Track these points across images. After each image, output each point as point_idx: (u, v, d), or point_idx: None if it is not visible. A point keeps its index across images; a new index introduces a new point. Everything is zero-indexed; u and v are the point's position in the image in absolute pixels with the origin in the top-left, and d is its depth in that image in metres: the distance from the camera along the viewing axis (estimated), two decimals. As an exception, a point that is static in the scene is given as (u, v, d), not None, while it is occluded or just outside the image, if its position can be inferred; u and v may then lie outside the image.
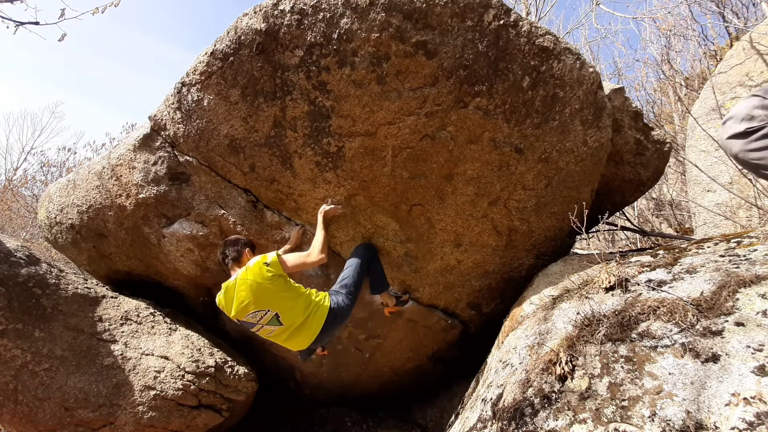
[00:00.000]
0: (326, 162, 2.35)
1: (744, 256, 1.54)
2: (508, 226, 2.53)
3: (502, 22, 2.00)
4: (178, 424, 2.69)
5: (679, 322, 1.31)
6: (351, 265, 2.41)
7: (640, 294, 1.56)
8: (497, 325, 2.41)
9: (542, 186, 2.40)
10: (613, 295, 1.65)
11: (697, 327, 1.27)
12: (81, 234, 3.12)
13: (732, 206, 3.31)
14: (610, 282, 1.71)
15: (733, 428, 0.99)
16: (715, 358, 1.15)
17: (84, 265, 3.40)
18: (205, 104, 2.32)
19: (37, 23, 2.58)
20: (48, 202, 3.26)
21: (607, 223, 3.20)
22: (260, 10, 2.07)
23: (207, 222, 2.73)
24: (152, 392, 2.64)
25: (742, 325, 1.20)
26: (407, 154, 2.28)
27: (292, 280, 2.21)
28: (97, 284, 3.17)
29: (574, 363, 1.41)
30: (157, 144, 2.62)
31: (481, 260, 2.66)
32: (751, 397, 1.02)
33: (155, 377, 2.68)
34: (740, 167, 2.36)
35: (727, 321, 1.24)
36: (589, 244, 5.99)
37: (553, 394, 1.36)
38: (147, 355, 2.77)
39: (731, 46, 5.36)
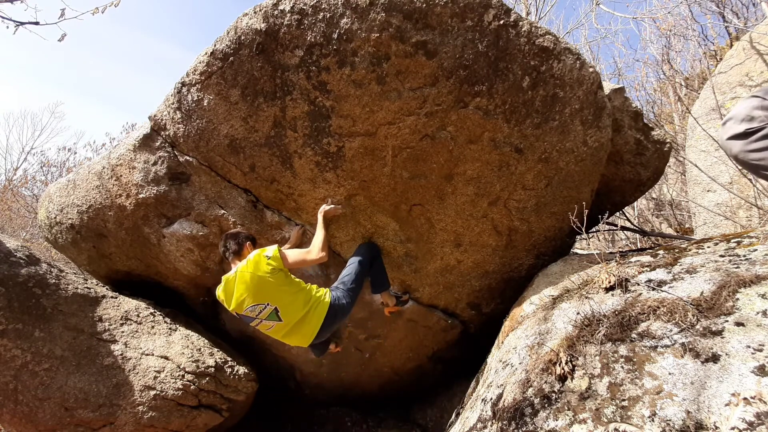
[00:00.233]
0: (326, 162, 2.35)
1: (744, 256, 1.54)
2: (508, 226, 2.53)
3: (502, 22, 2.00)
4: (178, 424, 2.69)
5: (679, 322, 1.31)
6: (353, 262, 2.41)
7: (640, 294, 1.56)
8: (497, 325, 2.41)
9: (542, 186, 2.40)
10: (613, 295, 1.65)
11: (697, 327, 1.27)
12: (81, 234, 3.12)
13: (732, 206, 3.31)
14: (610, 282, 1.71)
15: (733, 428, 0.99)
16: (715, 358, 1.15)
17: (84, 265, 3.40)
18: (205, 104, 2.32)
19: (37, 23, 2.58)
20: (48, 202, 3.26)
21: (607, 223, 3.20)
22: (260, 10, 2.07)
23: (207, 222, 2.73)
24: (152, 392, 2.64)
25: (742, 325, 1.20)
26: (407, 154, 2.28)
27: (292, 275, 2.20)
28: (97, 284, 3.17)
29: (574, 363, 1.41)
30: (157, 144, 2.62)
31: (481, 260, 2.66)
32: (751, 397, 1.02)
33: (155, 377, 2.68)
34: (740, 168, 2.36)
35: (727, 321, 1.24)
36: (589, 244, 5.99)
37: (553, 394, 1.36)
38: (147, 355, 2.77)
39: (731, 46, 5.36)
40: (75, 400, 2.53)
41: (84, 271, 3.53)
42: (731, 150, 1.08)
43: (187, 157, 2.58)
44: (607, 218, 2.53)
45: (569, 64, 2.12)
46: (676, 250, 1.87)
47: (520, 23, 2.03)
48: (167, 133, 2.56)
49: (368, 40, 1.98)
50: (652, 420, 1.10)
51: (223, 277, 2.16)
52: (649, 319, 1.39)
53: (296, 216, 2.67)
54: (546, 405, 1.35)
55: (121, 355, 2.72)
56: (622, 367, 1.29)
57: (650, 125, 2.84)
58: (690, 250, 1.82)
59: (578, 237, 3.01)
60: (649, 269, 1.73)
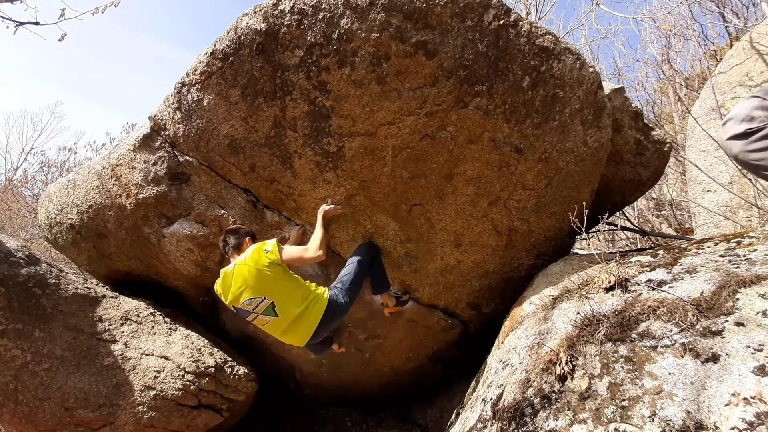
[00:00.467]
0: (326, 162, 2.35)
1: (744, 256, 1.54)
2: (508, 226, 2.53)
3: (502, 22, 2.00)
4: (178, 424, 2.69)
5: (679, 322, 1.31)
6: (352, 262, 2.41)
7: (640, 294, 1.56)
8: (497, 325, 2.41)
9: (542, 186, 2.40)
10: (613, 295, 1.65)
11: (697, 327, 1.27)
12: (81, 234, 3.12)
13: (732, 206, 3.31)
14: (610, 282, 1.71)
15: (733, 428, 0.99)
16: (715, 358, 1.15)
17: (84, 265, 3.40)
18: (205, 104, 2.32)
19: (37, 23, 2.58)
20: (48, 202, 3.26)
21: (607, 223, 3.20)
22: (260, 10, 2.07)
23: (207, 222, 2.73)
24: (152, 392, 2.64)
25: (742, 325, 1.20)
26: (407, 154, 2.28)
27: (291, 271, 2.21)
28: (97, 284, 3.17)
29: (574, 363, 1.41)
30: (157, 144, 2.62)
31: (481, 260, 2.66)
32: (751, 397, 1.02)
33: (155, 377, 2.68)
34: (740, 168, 2.36)
35: (727, 321, 1.24)
36: (589, 244, 5.99)
37: (553, 394, 1.36)
38: (147, 355, 2.77)
39: (731, 46, 5.36)
40: (75, 400, 2.53)
41: (84, 271, 3.53)
42: (731, 150, 1.09)
43: (187, 157, 2.58)
44: (607, 218, 2.53)
45: (569, 64, 2.12)
46: (676, 250, 1.87)
47: (520, 23, 2.03)
48: (167, 133, 2.56)
49: (368, 40, 1.98)
50: (652, 420, 1.10)
51: (222, 271, 2.17)
52: (649, 319, 1.39)
53: (296, 216, 2.67)
54: (546, 405, 1.35)
55: (121, 355, 2.72)
56: (622, 367, 1.29)
57: (650, 125, 2.84)
58: (690, 250, 1.82)
59: (578, 237, 3.01)
60: (649, 269, 1.73)
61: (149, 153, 2.65)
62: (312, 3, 1.99)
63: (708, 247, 1.79)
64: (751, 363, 1.09)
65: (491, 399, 1.63)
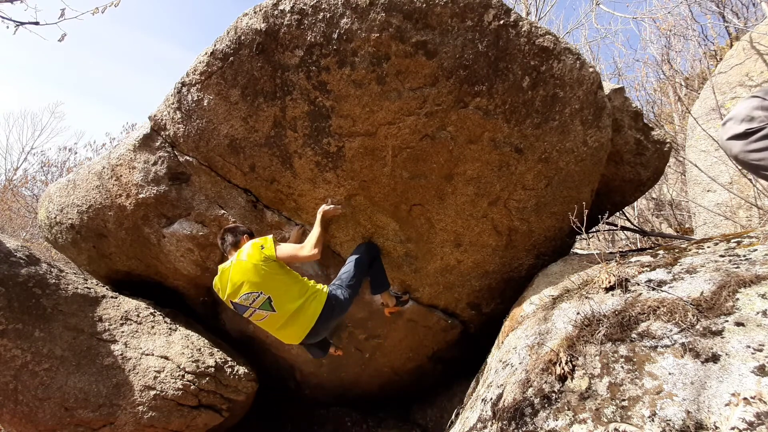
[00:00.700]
0: (326, 162, 2.35)
1: (744, 256, 1.54)
2: (508, 226, 2.53)
3: (502, 22, 2.00)
4: (178, 424, 2.69)
5: (679, 322, 1.31)
6: (352, 261, 2.41)
7: (640, 294, 1.56)
8: (497, 325, 2.41)
9: (542, 186, 2.40)
10: (613, 295, 1.65)
11: (697, 327, 1.27)
12: (81, 234, 3.12)
13: (732, 206, 3.31)
14: (610, 282, 1.71)
15: (733, 428, 0.99)
16: (715, 358, 1.15)
17: (84, 265, 3.40)
18: (205, 104, 2.32)
19: (37, 23, 2.58)
20: (48, 202, 3.26)
21: (607, 223, 3.20)
22: (260, 10, 2.07)
23: (207, 222, 2.73)
24: (152, 392, 2.64)
25: (742, 325, 1.20)
26: (407, 154, 2.28)
27: (289, 267, 2.21)
28: (97, 284, 3.17)
29: (574, 363, 1.41)
30: (157, 144, 2.62)
31: (481, 260, 2.66)
32: (751, 397, 1.02)
33: (155, 377, 2.68)
34: (740, 168, 2.36)
35: (727, 321, 1.24)
36: (589, 244, 5.99)
37: (553, 394, 1.36)
38: (147, 355, 2.77)
39: (731, 46, 5.36)
40: (75, 400, 2.53)
41: (84, 271, 3.53)
42: (731, 150, 1.09)
43: (187, 157, 2.58)
44: (607, 218, 2.53)
45: (569, 64, 2.12)
46: (676, 250, 1.87)
47: (520, 23, 2.03)
48: (167, 133, 2.56)
49: (368, 40, 1.98)
50: (652, 420, 1.10)
51: (220, 267, 2.18)
52: (649, 319, 1.39)
53: (296, 216, 2.67)
54: (546, 405, 1.35)
55: (121, 355, 2.72)
56: (622, 367, 1.29)
57: (650, 125, 2.84)
58: (690, 250, 1.82)
59: (578, 237, 3.01)
60: (649, 269, 1.73)
61: (149, 153, 2.65)
62: (312, 3, 1.99)
63: (708, 247, 1.79)
64: (751, 363, 1.09)
65: (491, 399, 1.63)
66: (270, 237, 2.19)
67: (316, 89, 2.15)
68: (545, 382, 1.42)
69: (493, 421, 1.51)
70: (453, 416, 2.26)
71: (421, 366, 3.36)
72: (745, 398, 1.02)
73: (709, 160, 3.54)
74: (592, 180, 2.49)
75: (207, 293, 3.24)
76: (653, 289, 1.55)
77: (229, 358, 3.04)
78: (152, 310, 3.10)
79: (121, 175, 2.76)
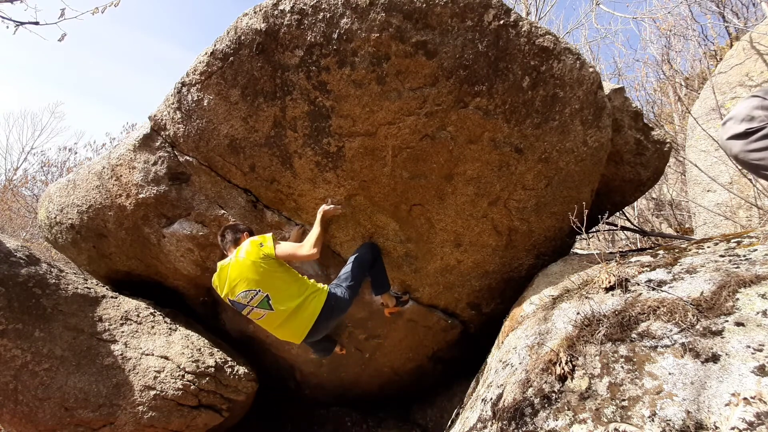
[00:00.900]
0: (326, 162, 2.35)
1: (744, 256, 1.54)
2: (508, 226, 2.53)
3: (502, 22, 2.00)
4: (178, 424, 2.69)
5: (679, 322, 1.31)
6: (353, 261, 2.41)
7: (640, 294, 1.56)
8: (497, 325, 2.41)
9: (542, 186, 2.40)
10: (613, 295, 1.65)
11: (697, 327, 1.27)
12: (81, 234, 3.12)
13: (732, 206, 3.31)
14: (610, 282, 1.71)
15: (733, 428, 0.99)
16: (715, 358, 1.15)
17: (84, 265, 3.40)
18: (205, 104, 2.32)
19: (37, 23, 2.58)
20: (48, 202, 3.26)
21: (607, 223, 3.20)
22: (260, 10, 2.07)
23: (207, 222, 2.73)
24: (152, 392, 2.64)
25: (742, 325, 1.20)
26: (407, 154, 2.28)
27: (288, 266, 2.21)
28: (97, 284, 3.17)
29: (574, 363, 1.41)
30: (157, 144, 2.62)
31: (481, 260, 2.66)
32: (751, 397, 1.02)
33: (155, 377, 2.68)
34: (740, 168, 2.36)
35: (727, 321, 1.24)
36: (589, 244, 5.99)
37: (553, 394, 1.36)
38: (147, 355, 2.77)
39: (731, 46, 5.36)
40: (75, 400, 2.53)
41: (84, 271, 3.53)
42: (731, 150, 1.08)
43: (187, 157, 2.58)
44: (607, 218, 2.53)
45: (569, 64, 2.12)
46: (676, 250, 1.87)
47: (520, 23, 2.03)
48: (167, 133, 2.56)
49: (368, 40, 1.98)
50: (652, 420, 1.10)
51: (219, 264, 2.19)
52: (649, 319, 1.39)
53: (296, 216, 2.67)
54: (546, 405, 1.35)
55: (121, 355, 2.72)
56: (622, 367, 1.29)
57: (650, 125, 2.84)
58: (690, 250, 1.82)
59: (578, 237, 3.01)
60: (649, 269, 1.73)
61: (149, 153, 2.65)
62: (312, 3, 1.99)
63: (708, 247, 1.79)
64: (751, 363, 1.09)
65: (491, 399, 1.63)
66: (270, 235, 2.20)
67: (316, 89, 2.15)
68: (545, 382, 1.42)
69: (493, 421, 1.51)
70: (453, 416, 2.26)
71: (421, 366, 3.36)
72: (745, 398, 1.02)
73: (709, 160, 3.54)
74: (592, 180, 2.49)
75: (207, 293, 3.24)
76: (653, 289, 1.55)
77: (229, 358, 3.04)
78: (152, 310, 3.10)
79: (121, 175, 2.76)
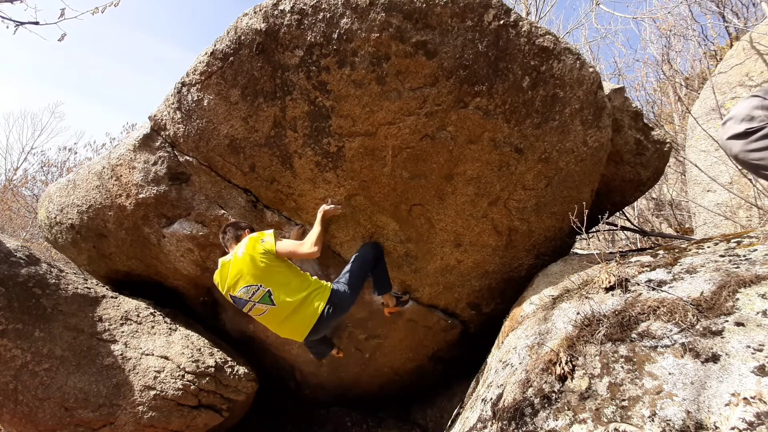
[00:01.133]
0: (326, 162, 2.35)
1: (744, 256, 1.54)
2: (508, 226, 2.53)
3: (502, 22, 2.00)
4: (178, 424, 2.69)
5: (679, 322, 1.31)
6: (357, 260, 2.41)
7: (640, 294, 1.56)
8: (497, 325, 2.41)
9: (542, 186, 2.40)
10: (613, 295, 1.65)
11: (697, 327, 1.27)
12: (81, 234, 3.12)
13: (732, 206, 3.31)
14: (610, 282, 1.71)
15: (733, 428, 0.99)
16: (715, 358, 1.15)
17: (84, 265, 3.40)
18: (205, 104, 2.32)
19: (37, 23, 2.58)
20: (48, 202, 3.26)
21: (607, 223, 3.20)
22: (260, 10, 2.07)
23: (207, 222, 2.73)
24: (152, 392, 2.64)
25: (742, 325, 1.20)
26: (407, 154, 2.28)
27: (290, 261, 2.21)
28: (97, 284, 3.17)
29: (574, 363, 1.41)
30: (157, 144, 2.62)
31: (481, 260, 2.66)
32: (751, 397, 1.02)
33: (155, 377, 2.68)
34: (740, 167, 2.36)
35: (727, 321, 1.24)
36: (589, 244, 5.99)
37: (553, 394, 1.36)
38: (147, 355, 2.77)
39: (731, 46, 5.36)
40: (75, 400, 2.53)
41: (84, 271, 3.53)
42: (731, 150, 1.08)
43: (187, 157, 2.58)
44: (607, 218, 2.53)
45: (569, 64, 2.12)
46: (676, 250, 1.87)
47: (520, 23, 2.03)
48: (167, 133, 2.56)
49: (368, 40, 1.98)
50: (652, 420, 1.10)
51: (220, 261, 2.19)
52: (649, 319, 1.39)
53: (296, 216, 2.67)
54: (546, 405, 1.35)
55: (121, 355, 2.72)
56: (622, 367, 1.29)
57: (650, 125, 2.84)
58: (690, 250, 1.82)
59: (578, 237, 3.01)
60: (649, 269, 1.73)
61: (149, 153, 2.65)
62: (312, 3, 1.99)
63: (708, 247, 1.79)
64: (751, 363, 1.09)
65: (491, 399, 1.63)
66: (271, 231, 2.20)
67: (316, 89, 2.15)
68: (545, 382, 1.42)
69: (493, 421, 1.51)
70: (453, 416, 2.26)
71: (421, 366, 3.36)
72: (745, 398, 1.02)
73: (709, 160, 3.54)
74: (592, 180, 2.49)
75: (207, 293, 3.24)
76: (653, 289, 1.55)
77: (229, 358, 3.04)
78: (152, 310, 3.10)
79: (121, 175, 2.76)
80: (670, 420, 1.08)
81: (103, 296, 3.00)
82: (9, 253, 2.79)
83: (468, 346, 3.20)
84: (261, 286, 2.08)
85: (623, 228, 3.35)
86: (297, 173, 2.44)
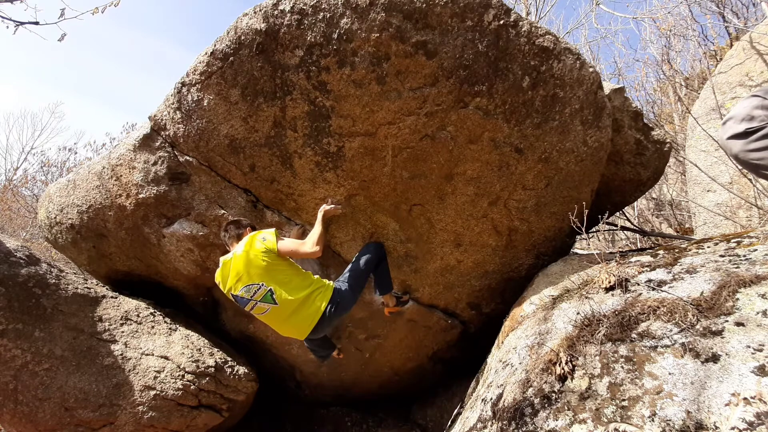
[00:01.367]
0: (326, 162, 2.35)
1: (744, 256, 1.54)
2: (508, 226, 2.53)
3: (502, 22, 2.00)
4: (178, 424, 2.69)
5: (679, 322, 1.31)
6: (360, 259, 2.41)
7: (640, 294, 1.56)
8: (497, 325, 2.41)
9: (542, 186, 2.40)
10: (613, 295, 1.65)
11: (697, 327, 1.27)
12: (81, 234, 3.12)
13: (732, 206, 3.31)
14: (610, 282, 1.71)
15: (733, 428, 0.99)
16: (715, 358, 1.15)
17: (84, 265, 3.40)
18: (205, 104, 2.32)
19: (37, 23, 2.57)
20: (48, 202, 3.26)
21: (607, 223, 3.20)
22: (260, 10, 2.07)
23: (207, 222, 2.73)
24: (152, 392, 2.64)
25: (742, 325, 1.20)
26: (407, 154, 2.28)
27: (291, 259, 2.21)
28: (97, 284, 3.17)
29: (574, 363, 1.41)
30: (157, 144, 2.62)
31: (481, 260, 2.66)
32: (751, 397, 1.02)
33: (155, 377, 2.68)
34: (740, 167, 2.36)
35: (727, 321, 1.24)
36: (589, 244, 5.98)
37: (553, 394, 1.36)
38: (147, 355, 2.77)
39: (731, 46, 5.36)
40: (75, 400, 2.53)
41: (84, 271, 3.53)
42: (731, 149, 1.08)
43: (187, 157, 2.58)
44: (607, 218, 2.53)
45: (569, 64, 2.12)
46: (676, 250, 1.87)
47: (520, 23, 2.03)
48: (167, 133, 2.56)
49: (368, 40, 1.98)
50: (652, 420, 1.10)
51: (221, 259, 2.18)
52: (649, 319, 1.39)
53: (296, 216, 2.67)
54: (546, 405, 1.35)
55: (121, 355, 2.72)
56: (622, 367, 1.29)
57: (650, 125, 2.84)
58: (690, 250, 1.82)
59: (578, 237, 3.01)
60: (649, 269, 1.73)
61: (149, 153, 2.65)
62: (312, 3, 1.99)
63: (708, 247, 1.79)
64: (751, 363, 1.09)
65: (491, 399, 1.63)
66: (273, 230, 2.19)
67: (316, 89, 2.15)
68: (545, 382, 1.42)
69: (493, 421, 1.51)
70: (453, 416, 2.26)
71: (421, 366, 3.36)
72: (745, 398, 1.02)
73: (709, 160, 3.54)
74: (592, 180, 2.49)
75: (207, 293, 3.24)
76: (653, 289, 1.55)
77: (229, 358, 3.04)
78: (152, 310, 3.10)
79: (121, 175, 2.76)
80: (670, 420, 1.08)
81: (103, 296, 3.00)
82: (9, 253, 2.79)
83: (468, 346, 3.20)
84: (262, 284, 2.08)
85: (623, 228, 3.36)
86: (297, 173, 2.44)
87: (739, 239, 1.75)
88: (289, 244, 2.20)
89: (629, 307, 1.48)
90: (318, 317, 2.12)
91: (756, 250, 1.56)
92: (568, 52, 2.12)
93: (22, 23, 2.57)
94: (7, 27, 2.58)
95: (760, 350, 1.11)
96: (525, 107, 2.16)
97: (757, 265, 1.43)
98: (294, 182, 2.48)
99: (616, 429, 1.14)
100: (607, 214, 2.47)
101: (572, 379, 1.36)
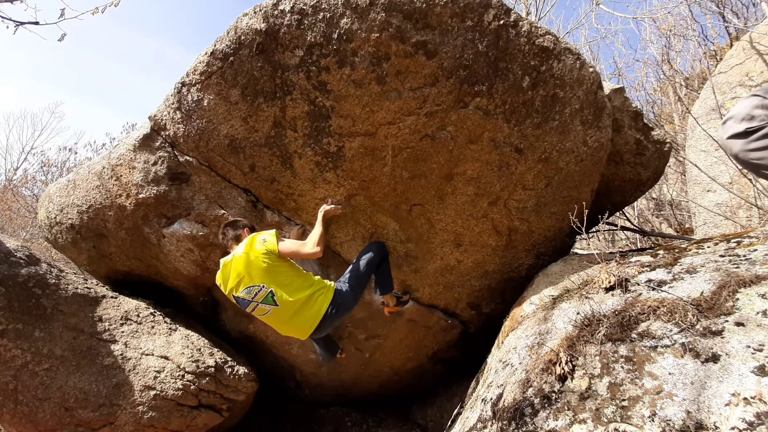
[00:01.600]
0: (326, 162, 2.35)
1: (744, 256, 1.54)
2: (508, 226, 2.53)
3: (502, 22, 2.00)
4: (178, 424, 2.69)
5: (679, 322, 1.31)
6: (362, 259, 2.41)
7: (640, 294, 1.56)
8: (497, 325, 2.41)
9: (542, 186, 2.40)
10: (613, 295, 1.65)
11: (697, 327, 1.27)
12: (81, 234, 3.12)
13: (732, 206, 3.30)
14: (610, 282, 1.71)
15: (733, 428, 0.99)
16: (715, 358, 1.15)
17: (84, 265, 3.40)
18: (205, 104, 2.32)
19: (37, 23, 2.57)
20: (48, 202, 3.26)
21: (607, 223, 3.20)
22: (260, 10, 2.07)
23: (207, 222, 2.73)
24: (152, 392, 2.64)
25: (742, 325, 1.20)
26: (407, 154, 2.28)
27: (292, 261, 2.21)
28: (97, 284, 3.17)
29: (574, 363, 1.41)
30: (157, 144, 2.62)
31: (481, 260, 2.66)
32: (751, 397, 1.02)
33: (155, 377, 2.68)
34: (740, 167, 2.36)
35: (727, 321, 1.24)
36: (589, 244, 5.98)
37: (553, 394, 1.36)
38: (147, 355, 2.77)
39: (731, 46, 5.36)
40: (75, 400, 2.53)
41: (84, 271, 3.53)
42: (731, 149, 1.08)
43: (187, 157, 2.58)
44: (607, 218, 2.53)
45: (569, 64, 2.12)
46: (676, 250, 1.87)
47: (520, 23, 2.03)
48: (167, 133, 2.56)
49: (368, 40, 1.98)
50: (652, 420, 1.10)
51: (222, 261, 2.18)
52: (649, 319, 1.39)
53: (296, 216, 2.67)
54: (546, 405, 1.35)
55: (121, 355, 2.72)
56: (622, 367, 1.29)
57: (650, 125, 2.84)
58: (690, 250, 1.82)
59: (578, 237, 3.01)
60: (649, 269, 1.73)
61: (149, 153, 2.65)
62: (312, 3, 1.99)
63: (708, 247, 1.79)
64: (751, 363, 1.09)
65: (491, 399, 1.63)
66: (273, 231, 2.19)
67: (316, 89, 2.15)
68: (545, 382, 1.42)
69: (493, 421, 1.51)
70: (453, 416, 2.26)
71: (421, 366, 3.36)
72: (745, 398, 1.02)
73: (709, 160, 3.53)
74: (592, 180, 2.49)
75: (207, 293, 3.24)
76: (653, 289, 1.55)
77: (229, 358, 3.04)
78: (152, 310, 3.10)
79: (121, 175, 2.76)
80: (670, 420, 1.08)
81: (103, 296, 3.00)
82: (9, 253, 2.79)
83: (468, 346, 3.20)
84: (263, 286, 2.07)
85: (623, 228, 3.36)
86: (297, 173, 2.44)
87: (739, 239, 1.75)
88: (289, 245, 2.19)
89: (629, 307, 1.48)
90: (319, 319, 2.12)
91: (756, 250, 1.56)
92: (568, 52, 2.12)
93: (22, 23, 2.56)
94: (7, 27, 2.57)
95: (760, 350, 1.11)
96: (525, 107, 2.16)
97: (757, 265, 1.43)
98: (294, 182, 2.48)
99: (616, 429, 1.14)
100: (607, 214, 2.47)
101: (572, 379, 1.36)
